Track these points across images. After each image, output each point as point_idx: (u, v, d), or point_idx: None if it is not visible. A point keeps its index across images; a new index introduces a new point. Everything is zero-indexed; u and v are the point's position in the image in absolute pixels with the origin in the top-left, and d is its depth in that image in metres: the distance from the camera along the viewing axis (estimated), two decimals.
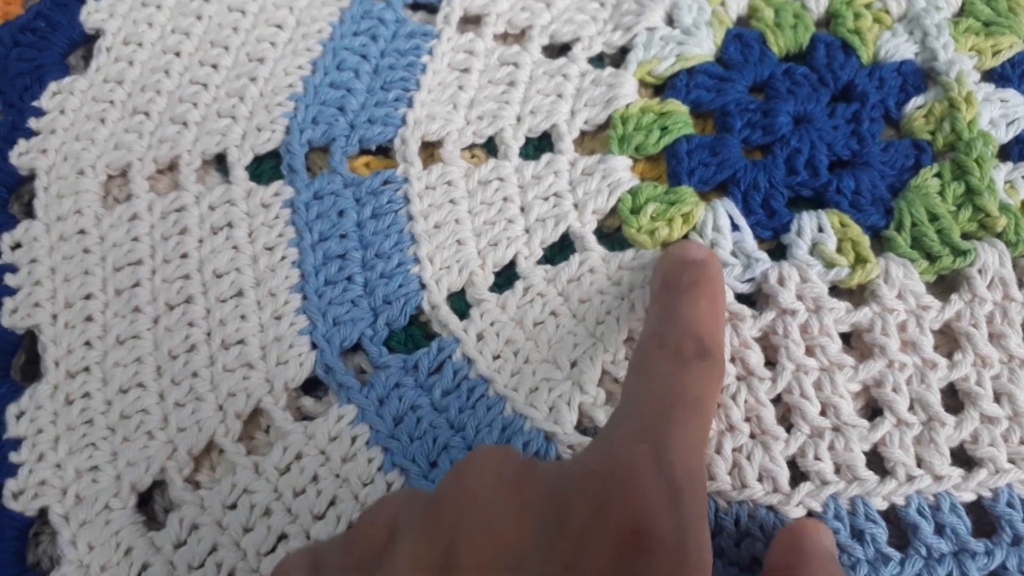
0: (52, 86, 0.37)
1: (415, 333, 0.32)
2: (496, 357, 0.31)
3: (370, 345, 0.31)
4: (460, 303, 0.32)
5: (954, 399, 0.30)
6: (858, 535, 0.27)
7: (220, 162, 0.36)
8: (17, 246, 0.34)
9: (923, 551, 0.27)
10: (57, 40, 0.38)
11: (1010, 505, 0.28)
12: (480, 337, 0.31)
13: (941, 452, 0.28)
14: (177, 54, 0.38)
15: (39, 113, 0.36)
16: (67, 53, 0.39)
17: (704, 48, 0.36)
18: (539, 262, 0.33)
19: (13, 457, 0.30)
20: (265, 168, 0.36)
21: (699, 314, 0.27)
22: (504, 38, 0.38)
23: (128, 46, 0.38)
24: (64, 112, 0.37)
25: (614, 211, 0.34)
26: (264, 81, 0.37)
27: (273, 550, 0.28)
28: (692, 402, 0.24)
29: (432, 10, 0.39)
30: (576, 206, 0.34)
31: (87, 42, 0.39)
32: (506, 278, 0.33)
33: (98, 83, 0.37)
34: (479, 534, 0.21)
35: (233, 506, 0.29)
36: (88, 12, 0.39)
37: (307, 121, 0.36)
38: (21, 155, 0.36)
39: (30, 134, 0.36)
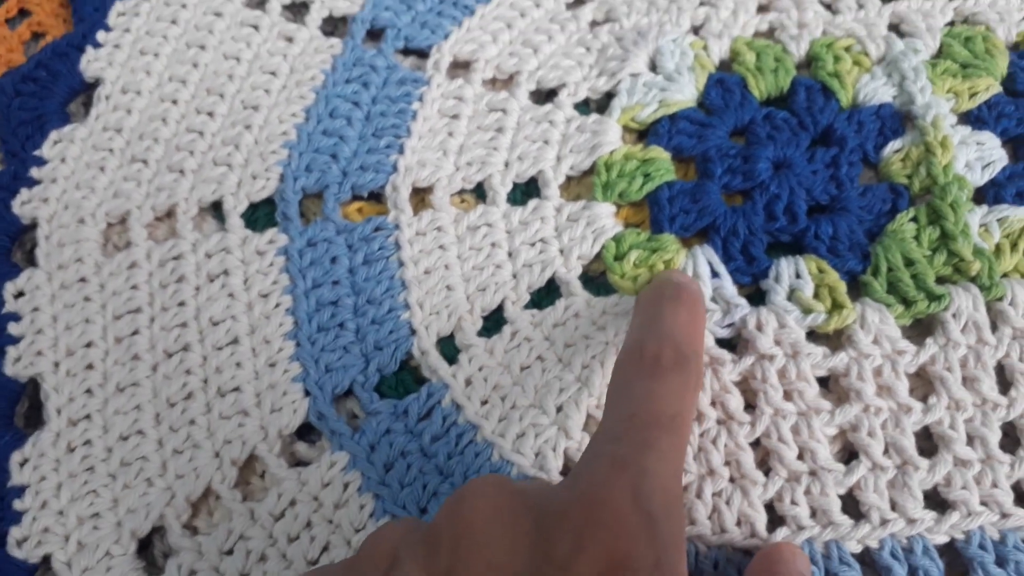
0: (53, 135, 0.38)
1: (405, 378, 0.33)
2: (484, 402, 0.32)
3: (361, 391, 0.32)
4: (449, 348, 0.33)
5: (928, 441, 0.30)
6: None
7: (216, 209, 0.37)
8: (20, 295, 0.35)
9: None
10: (58, 89, 0.39)
11: (982, 547, 0.28)
12: (468, 382, 0.32)
13: (914, 496, 0.29)
14: (174, 102, 0.39)
15: (40, 162, 0.38)
16: (67, 101, 0.40)
17: (686, 94, 0.37)
18: (526, 306, 0.34)
19: (17, 505, 0.31)
20: (260, 215, 0.37)
21: (679, 321, 0.29)
22: (493, 83, 0.39)
23: (126, 94, 0.39)
24: (65, 161, 0.38)
25: (599, 256, 0.35)
26: (259, 128, 0.38)
27: None
28: (669, 420, 0.26)
29: (422, 55, 0.40)
30: (562, 252, 0.35)
31: (87, 90, 0.40)
32: (494, 322, 0.34)
33: (98, 131, 0.38)
34: (475, 561, 0.23)
35: (230, 552, 0.30)
36: (87, 61, 0.40)
37: (301, 168, 0.37)
38: (23, 204, 0.37)
39: (32, 183, 0.37)
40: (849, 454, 0.30)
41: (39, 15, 0.43)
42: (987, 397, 0.30)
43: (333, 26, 0.41)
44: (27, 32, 0.43)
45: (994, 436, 0.30)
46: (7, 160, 0.38)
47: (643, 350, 0.27)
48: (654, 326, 0.29)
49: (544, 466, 0.30)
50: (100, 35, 0.40)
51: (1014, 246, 0.33)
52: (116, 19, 0.41)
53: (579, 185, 0.37)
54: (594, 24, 0.40)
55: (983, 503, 0.29)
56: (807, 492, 0.29)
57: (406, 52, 0.40)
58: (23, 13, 0.44)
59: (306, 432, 0.32)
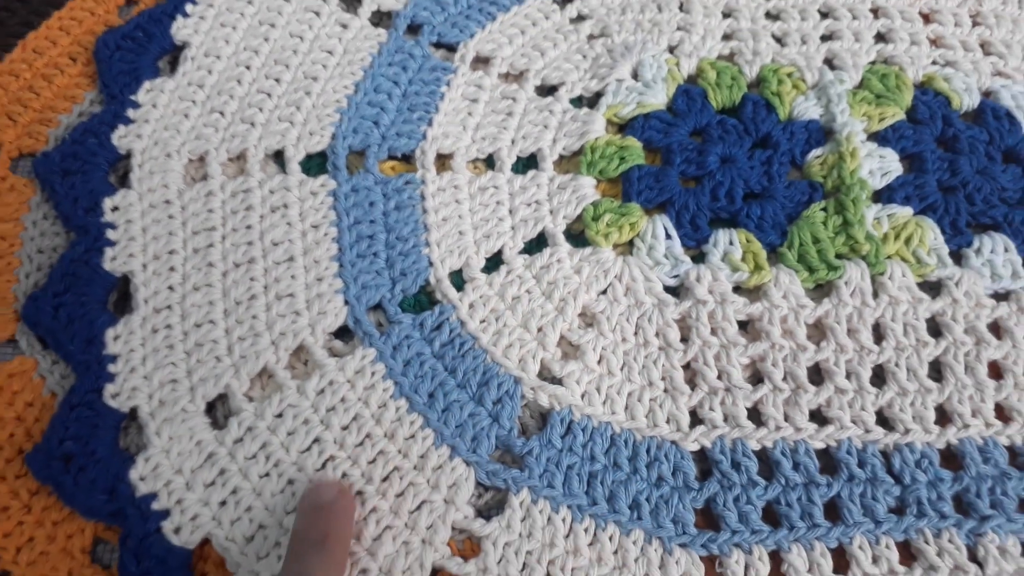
0: (147, 84, 0.47)
1: (422, 299, 0.42)
2: (482, 321, 0.41)
3: (388, 306, 0.41)
4: (458, 279, 0.42)
5: (817, 374, 0.40)
6: (736, 466, 0.38)
7: (279, 156, 0.46)
8: (115, 209, 0.44)
9: (782, 481, 0.37)
10: (152, 47, 0.48)
11: (848, 453, 0.38)
12: (471, 306, 0.41)
13: (802, 411, 0.39)
14: (248, 67, 0.48)
15: (135, 105, 0.46)
16: (158, 58, 0.48)
17: (658, 99, 0.47)
18: (520, 252, 0.43)
19: (111, 367, 0.39)
20: (313, 164, 0.45)
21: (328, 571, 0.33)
22: (506, 77, 0.49)
23: (208, 57, 0.48)
24: (156, 106, 0.46)
25: (580, 218, 0.44)
26: (317, 95, 0.47)
27: (308, 449, 0.38)
28: None
29: (451, 48, 0.49)
30: (551, 212, 0.44)
31: (174, 51, 0.49)
32: (494, 262, 0.43)
33: (183, 85, 0.47)
34: None
35: (280, 415, 0.38)
36: (177, 27, 0.48)
37: (349, 130, 0.46)
38: (121, 138, 0.45)
39: (128, 121, 0.46)
40: (756, 379, 0.40)
41: None
42: (864, 345, 0.40)
43: (380, 18, 0.50)
44: None
45: (866, 373, 0.40)
46: (107, 101, 0.47)
47: None
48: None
49: (525, 368, 0.39)
50: (188, 6, 0.49)
51: (897, 236, 0.42)
52: None
53: (569, 163, 0.46)
54: (591, 37, 0.50)
55: (853, 421, 0.39)
56: (722, 403, 0.39)
57: (438, 45, 0.50)
58: None
59: (343, 335, 0.41)
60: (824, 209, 0.43)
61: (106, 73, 0.47)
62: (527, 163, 0.46)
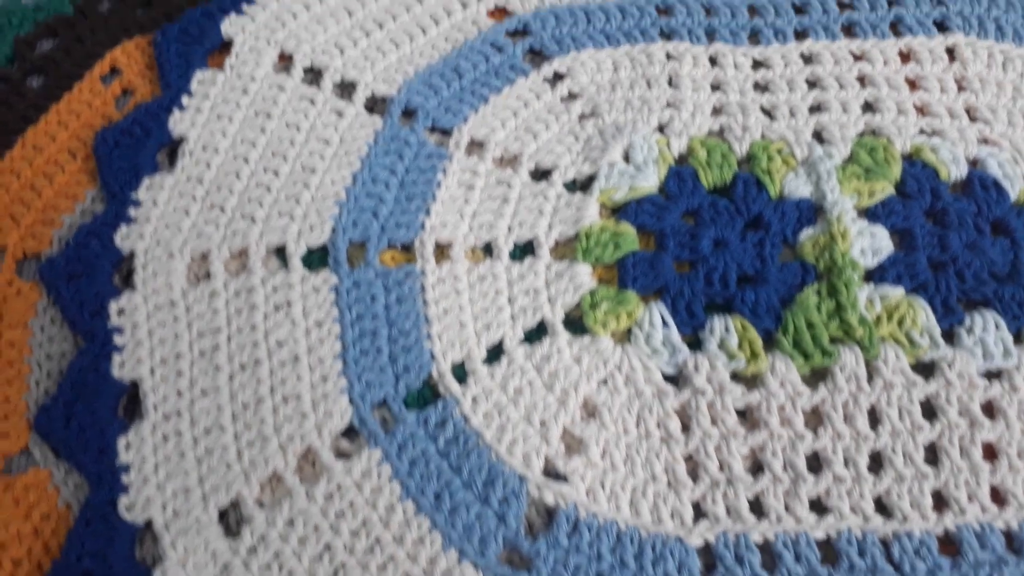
0: (146, 180, 0.47)
1: (426, 392, 0.43)
2: (486, 415, 0.42)
3: (392, 403, 0.42)
4: (460, 371, 0.43)
5: (816, 461, 0.41)
6: (739, 560, 0.38)
7: (280, 251, 0.46)
8: (121, 312, 0.44)
9: (785, 573, 0.38)
10: (150, 143, 0.49)
11: (848, 543, 0.39)
12: (474, 400, 0.42)
13: (802, 502, 0.40)
14: (246, 160, 0.48)
15: (136, 204, 0.47)
16: (157, 152, 0.49)
17: (650, 182, 0.48)
18: (520, 342, 0.44)
19: (124, 478, 0.40)
20: (315, 257, 0.46)
21: None
22: (500, 161, 0.49)
23: (206, 151, 0.49)
24: (156, 203, 0.47)
25: (578, 305, 0.45)
26: (315, 188, 0.47)
27: (320, 557, 0.39)
28: None
29: (446, 132, 0.50)
30: (549, 300, 0.45)
31: (173, 143, 0.49)
32: (495, 353, 0.44)
33: (183, 181, 0.48)
34: None
35: (290, 522, 0.39)
36: (175, 121, 0.49)
37: (349, 223, 0.46)
38: (123, 238, 0.46)
39: (130, 221, 0.46)
40: (757, 467, 0.41)
41: (128, 74, 0.53)
42: (860, 431, 0.41)
43: (374, 103, 0.51)
44: (118, 88, 0.52)
45: (863, 460, 0.40)
46: (108, 200, 0.48)
47: None
48: None
49: (529, 466, 0.40)
50: (184, 99, 0.50)
51: (890, 317, 0.43)
52: (197, 86, 0.50)
53: (565, 247, 0.47)
54: (582, 117, 0.51)
55: (852, 510, 0.39)
56: (724, 495, 0.40)
57: (433, 130, 0.50)
58: (114, 71, 0.53)
59: (350, 433, 0.42)
60: (817, 292, 0.44)
61: (106, 171, 0.48)
62: (524, 249, 0.47)
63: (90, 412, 0.42)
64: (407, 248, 0.47)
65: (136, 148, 0.48)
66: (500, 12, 0.55)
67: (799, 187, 0.47)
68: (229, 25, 0.52)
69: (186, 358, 0.43)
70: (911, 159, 0.49)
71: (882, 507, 0.40)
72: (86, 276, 0.45)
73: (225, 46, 0.52)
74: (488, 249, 0.47)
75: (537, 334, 0.44)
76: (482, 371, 0.43)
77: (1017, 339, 0.43)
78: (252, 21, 0.52)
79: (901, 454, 0.40)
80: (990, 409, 0.42)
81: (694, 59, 0.52)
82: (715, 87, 0.52)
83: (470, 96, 0.51)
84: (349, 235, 0.46)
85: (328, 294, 0.45)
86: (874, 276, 0.45)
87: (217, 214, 0.47)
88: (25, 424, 0.42)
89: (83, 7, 0.55)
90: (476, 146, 0.50)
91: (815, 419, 0.42)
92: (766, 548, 0.39)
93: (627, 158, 0.49)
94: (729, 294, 0.44)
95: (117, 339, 0.43)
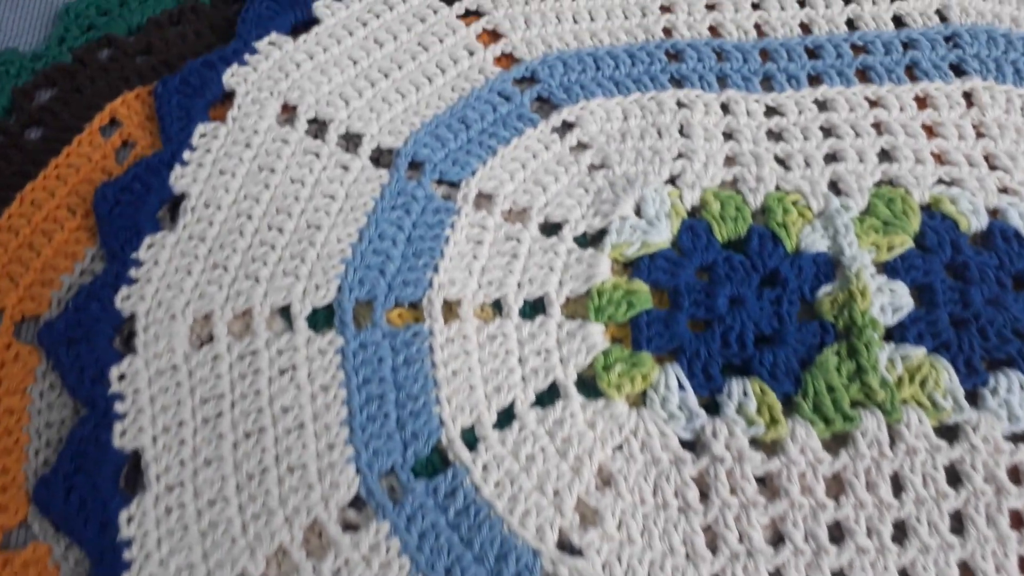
0: (147, 239, 0.46)
1: (435, 459, 0.42)
2: (497, 484, 0.41)
3: (401, 472, 0.41)
4: (470, 437, 0.42)
5: (838, 530, 0.40)
6: None
7: (285, 311, 0.45)
8: (122, 377, 0.43)
9: None
10: (150, 199, 0.48)
11: None
12: (485, 468, 0.41)
13: (824, 575, 0.38)
14: (249, 217, 0.47)
15: (137, 264, 0.46)
16: (158, 209, 0.48)
17: (663, 236, 0.46)
18: (532, 405, 0.43)
19: (126, 554, 0.39)
20: (320, 317, 0.45)
21: None
22: (509, 214, 0.48)
23: (208, 208, 0.47)
24: (157, 263, 0.46)
25: (591, 366, 0.44)
26: (320, 245, 0.46)
27: None
28: None
29: (453, 185, 0.49)
30: (562, 361, 0.44)
31: (175, 199, 0.48)
32: (506, 417, 0.43)
33: (184, 239, 0.47)
34: None
35: None
36: (176, 177, 0.48)
37: (355, 282, 0.45)
38: (124, 300, 0.45)
39: (130, 282, 0.45)
40: (777, 538, 0.40)
41: (128, 126, 0.51)
42: (883, 499, 0.40)
43: (379, 154, 0.50)
44: (118, 140, 0.51)
45: (887, 530, 0.39)
46: (108, 260, 0.46)
47: None
48: None
49: (543, 539, 0.39)
50: (186, 153, 0.49)
51: (911, 379, 0.42)
52: (199, 139, 0.49)
53: (576, 303, 0.46)
54: (592, 168, 0.50)
55: None
56: (744, 569, 0.39)
57: (440, 182, 0.49)
58: (114, 123, 0.52)
59: (357, 502, 0.41)
60: (837, 353, 0.43)
61: (106, 230, 0.47)
62: (534, 307, 0.46)
63: (91, 484, 0.40)
64: (415, 306, 0.46)
65: (136, 205, 0.47)
66: (507, 58, 0.54)
67: (816, 241, 0.46)
68: (231, 76, 0.51)
69: (189, 426, 0.42)
70: (930, 210, 0.47)
71: None
72: (86, 340, 0.44)
73: (227, 97, 0.51)
74: (498, 306, 0.46)
75: (549, 397, 0.43)
76: (493, 437, 0.42)
77: None
78: (254, 71, 0.51)
79: (926, 523, 0.39)
80: (1016, 475, 0.41)
81: (706, 106, 0.51)
82: (728, 136, 0.51)
83: (478, 148, 0.50)
84: (356, 294, 0.45)
85: (334, 357, 0.44)
86: (895, 335, 0.44)
87: (220, 274, 0.46)
88: (24, 496, 0.41)
89: (82, 55, 0.54)
90: (484, 199, 0.49)
91: (836, 487, 0.41)
92: None
93: (639, 211, 0.47)
94: (747, 355, 0.43)
95: (118, 407, 0.42)
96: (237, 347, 0.44)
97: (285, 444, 0.41)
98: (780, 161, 0.50)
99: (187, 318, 0.45)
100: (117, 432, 0.42)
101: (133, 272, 0.46)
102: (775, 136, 0.51)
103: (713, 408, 0.42)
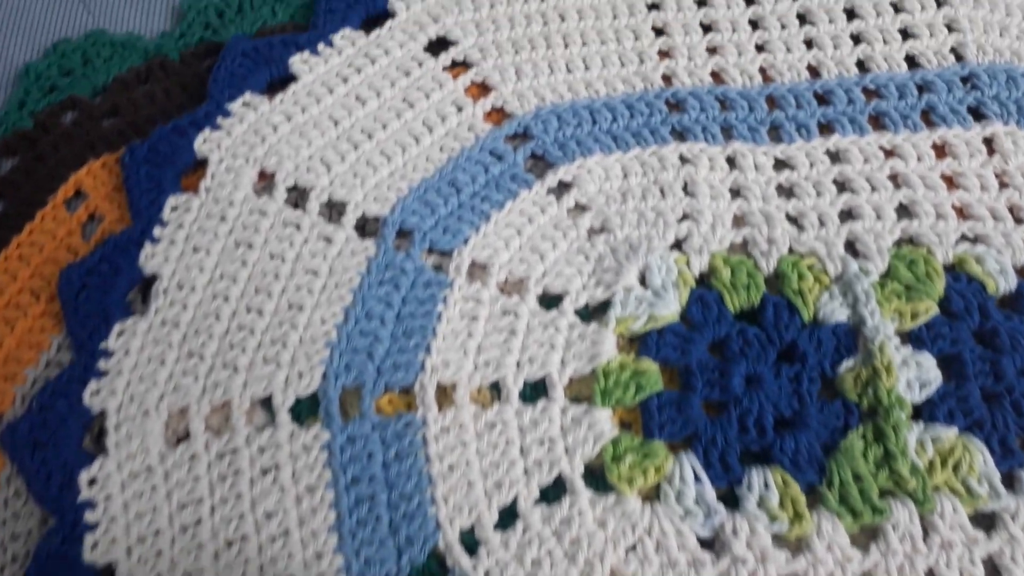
0: (117, 327, 0.43)
1: (432, 566, 0.38)
2: None
3: None
4: (470, 539, 0.39)
5: None
6: None
7: (266, 402, 0.42)
8: (93, 482, 0.40)
9: None
10: (119, 282, 0.44)
11: None
12: (487, 573, 0.38)
13: None
14: (226, 299, 0.44)
15: (107, 355, 0.42)
16: (127, 293, 0.45)
17: (671, 308, 0.43)
18: (536, 501, 0.40)
19: None
20: (303, 407, 0.42)
21: None
22: (505, 286, 0.45)
23: (182, 290, 0.44)
24: (128, 353, 0.43)
25: (599, 455, 0.40)
26: (303, 328, 0.43)
27: None
28: None
29: (445, 254, 0.46)
30: (567, 451, 0.40)
31: (145, 281, 0.45)
32: (509, 516, 0.39)
33: (157, 325, 0.43)
34: None
35: None
36: (146, 257, 0.45)
37: (341, 367, 0.42)
38: (92, 396, 0.41)
39: (100, 375, 0.42)
40: None
41: (95, 198, 0.48)
42: None
43: (365, 223, 0.47)
44: (84, 214, 0.48)
45: None
46: (76, 350, 0.43)
47: None
48: None
49: None
50: (156, 230, 0.45)
51: (944, 463, 0.39)
52: (170, 214, 0.46)
53: (580, 384, 0.43)
54: (591, 232, 0.46)
55: None
56: None
57: (430, 251, 0.46)
58: (79, 194, 0.49)
59: None
60: (863, 437, 0.40)
61: (72, 318, 0.44)
62: (536, 388, 0.42)
63: None
64: (406, 391, 0.42)
65: (104, 289, 0.44)
66: (498, 113, 0.50)
67: (835, 310, 0.43)
68: (203, 143, 0.48)
69: (166, 535, 0.39)
70: (955, 271, 0.44)
71: None
72: (52, 443, 0.41)
73: (200, 165, 0.48)
74: (496, 389, 0.42)
75: (555, 492, 0.40)
76: (494, 540, 0.39)
77: None
78: (228, 136, 0.48)
79: None
80: None
81: (711, 161, 0.48)
82: (735, 193, 0.47)
83: (470, 213, 0.46)
84: (342, 381, 0.42)
85: (320, 454, 0.40)
86: (923, 413, 0.41)
87: (196, 363, 0.43)
88: None
89: (44, 120, 0.51)
90: (479, 270, 0.45)
91: None
92: None
93: (643, 281, 0.44)
94: (766, 441, 0.40)
95: (89, 516, 0.39)
96: (216, 445, 0.41)
97: (269, 554, 0.38)
98: (792, 220, 0.47)
99: (161, 414, 0.41)
100: (88, 545, 0.38)
101: (102, 364, 0.42)
102: (786, 192, 0.48)
103: (731, 500, 0.39)
